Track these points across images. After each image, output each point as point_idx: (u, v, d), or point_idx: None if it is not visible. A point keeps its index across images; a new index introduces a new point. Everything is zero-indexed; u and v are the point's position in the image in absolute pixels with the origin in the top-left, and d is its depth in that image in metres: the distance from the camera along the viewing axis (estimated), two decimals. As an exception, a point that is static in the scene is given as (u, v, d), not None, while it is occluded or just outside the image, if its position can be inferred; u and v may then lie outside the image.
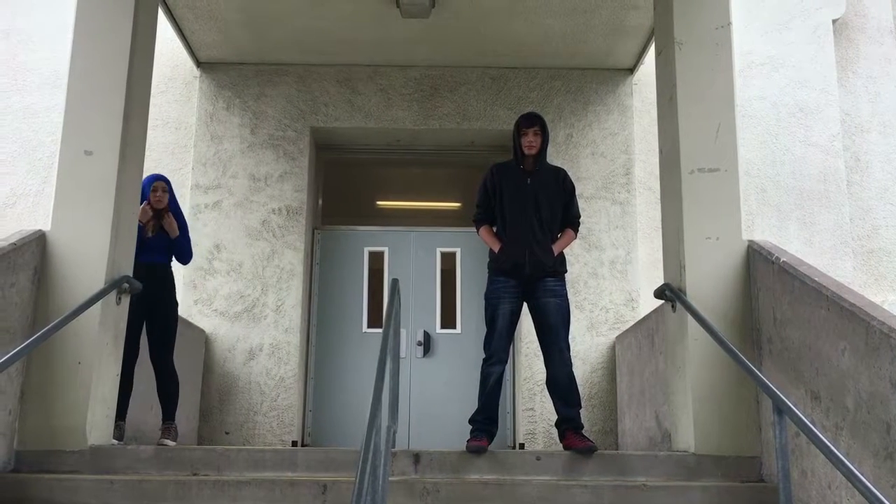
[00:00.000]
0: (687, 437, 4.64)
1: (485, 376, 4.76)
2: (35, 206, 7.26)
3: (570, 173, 5.21)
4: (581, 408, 4.79)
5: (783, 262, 4.30)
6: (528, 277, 4.82)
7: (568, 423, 4.69)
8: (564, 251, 5.03)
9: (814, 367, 3.89)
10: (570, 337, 4.88)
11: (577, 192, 5.16)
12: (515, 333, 7.02)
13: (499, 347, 4.77)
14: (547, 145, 5.06)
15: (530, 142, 4.96)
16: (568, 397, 4.72)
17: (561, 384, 4.73)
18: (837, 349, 3.66)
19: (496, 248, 4.92)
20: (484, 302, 4.93)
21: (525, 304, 4.92)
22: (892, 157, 7.69)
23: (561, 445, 4.73)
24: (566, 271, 4.96)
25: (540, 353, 6.85)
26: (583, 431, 4.70)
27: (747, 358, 4.11)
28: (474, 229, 5.15)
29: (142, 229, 5.39)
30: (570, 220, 5.06)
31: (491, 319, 4.84)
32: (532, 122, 5.00)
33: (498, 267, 4.91)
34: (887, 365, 3.24)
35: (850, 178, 7.59)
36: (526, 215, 4.88)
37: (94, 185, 4.72)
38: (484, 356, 4.81)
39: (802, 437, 3.82)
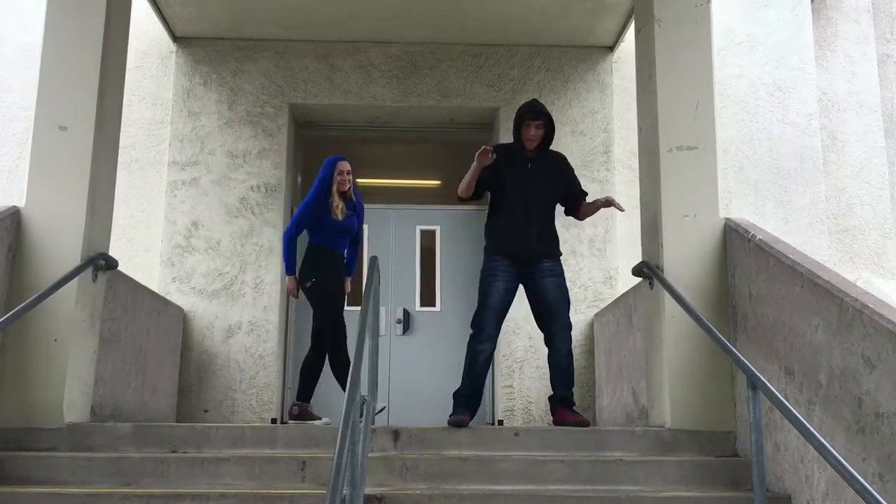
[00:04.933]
0: (663, 413, 4.69)
1: (473, 353, 4.76)
2: (9, 182, 7.16)
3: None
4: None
5: (759, 239, 4.34)
6: (524, 262, 4.84)
7: (562, 401, 4.79)
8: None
9: (788, 343, 3.94)
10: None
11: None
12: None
13: (488, 324, 4.77)
14: (552, 136, 5.01)
15: (532, 136, 4.91)
16: (567, 376, 4.80)
17: (562, 363, 4.79)
18: (811, 325, 3.70)
19: (472, 176, 4.84)
20: (479, 281, 4.91)
21: (521, 288, 4.94)
22: (868, 136, 7.76)
23: (552, 419, 4.87)
24: (561, 254, 4.98)
25: (519, 331, 6.90)
26: (566, 407, 4.81)
27: (723, 334, 4.16)
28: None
29: (329, 214, 5.45)
30: (579, 198, 5.12)
31: (483, 295, 4.83)
32: (538, 115, 4.90)
33: (494, 247, 4.91)
34: (859, 341, 3.29)
35: (826, 157, 7.65)
36: (525, 202, 4.86)
37: (69, 161, 4.67)
38: (472, 332, 4.81)
39: (776, 412, 3.87)
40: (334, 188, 5.52)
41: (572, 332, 7.08)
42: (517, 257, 4.82)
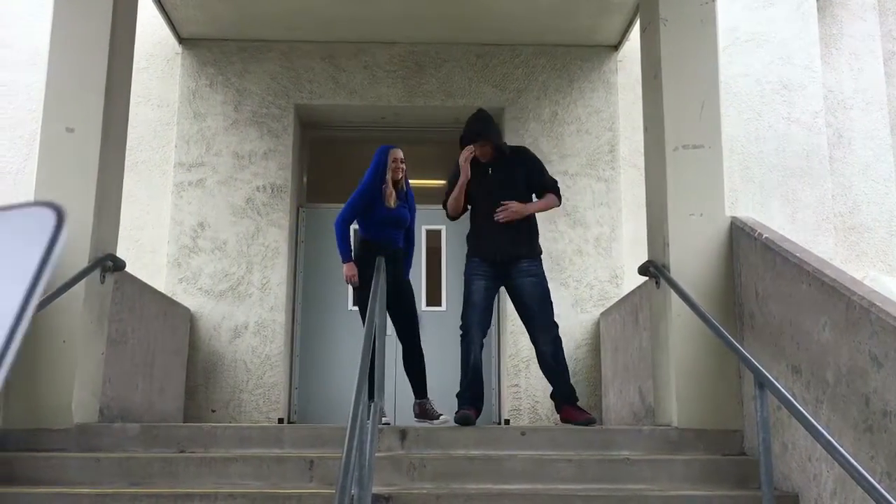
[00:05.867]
0: (670, 412, 4.69)
1: (465, 351, 4.84)
2: (16, 185, 7.18)
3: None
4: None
5: (765, 238, 4.33)
6: (501, 263, 4.89)
7: (565, 398, 4.80)
8: (540, 233, 5.09)
9: (795, 342, 3.93)
10: (555, 314, 4.94)
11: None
12: (500, 312, 7.08)
13: (473, 321, 4.85)
14: (500, 142, 5.09)
15: (482, 154, 5.01)
16: (560, 374, 4.82)
17: (547, 362, 4.80)
18: (818, 324, 3.70)
19: (460, 189, 4.92)
20: (463, 283, 5.03)
21: (504, 288, 5.01)
22: (874, 133, 7.74)
23: (558, 418, 4.92)
24: (541, 252, 5.02)
25: (525, 330, 6.91)
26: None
27: (729, 333, 4.16)
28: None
29: (379, 201, 5.30)
30: (546, 187, 5.08)
31: (467, 294, 4.95)
32: (475, 137, 5.01)
33: (472, 250, 5.02)
34: (867, 339, 3.28)
35: (833, 155, 7.63)
36: (493, 207, 4.93)
37: (77, 163, 4.70)
38: (461, 332, 4.89)
39: (783, 411, 3.87)
40: (388, 175, 5.37)
41: (575, 330, 7.11)
42: (494, 260, 4.91)
